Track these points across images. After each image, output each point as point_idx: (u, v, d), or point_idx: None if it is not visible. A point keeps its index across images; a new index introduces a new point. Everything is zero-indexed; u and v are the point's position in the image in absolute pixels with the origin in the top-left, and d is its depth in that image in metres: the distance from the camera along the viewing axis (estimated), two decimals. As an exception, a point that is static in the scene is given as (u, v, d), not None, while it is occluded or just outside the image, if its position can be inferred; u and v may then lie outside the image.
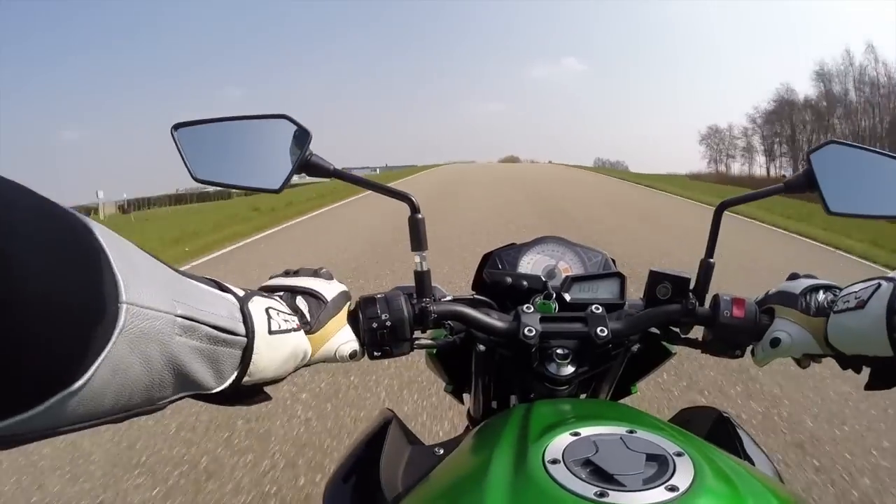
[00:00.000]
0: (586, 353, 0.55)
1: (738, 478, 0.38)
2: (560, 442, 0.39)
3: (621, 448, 0.39)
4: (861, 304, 0.48)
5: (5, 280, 0.21)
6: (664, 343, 0.64)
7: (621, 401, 0.71)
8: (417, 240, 0.57)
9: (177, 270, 0.35)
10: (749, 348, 0.58)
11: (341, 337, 0.52)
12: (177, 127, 0.57)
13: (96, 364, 0.25)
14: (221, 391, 0.39)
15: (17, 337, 0.22)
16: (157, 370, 0.30)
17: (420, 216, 0.57)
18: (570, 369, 0.55)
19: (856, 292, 0.50)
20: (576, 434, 0.40)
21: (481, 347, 0.58)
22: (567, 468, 0.36)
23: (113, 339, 0.26)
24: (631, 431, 0.41)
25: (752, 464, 0.53)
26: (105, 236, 0.27)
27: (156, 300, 0.29)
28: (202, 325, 0.33)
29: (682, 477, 0.35)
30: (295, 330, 0.46)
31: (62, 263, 0.24)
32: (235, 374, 0.39)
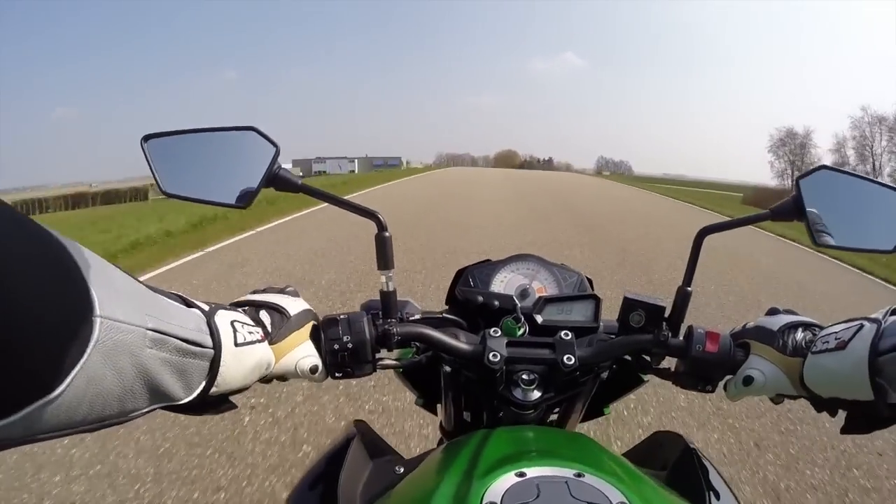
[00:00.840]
0: (553, 380, 0.54)
1: None
2: (503, 483, 0.39)
3: (564, 494, 0.38)
4: (842, 345, 0.47)
5: None
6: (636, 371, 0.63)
7: (592, 421, 0.70)
8: (384, 258, 0.56)
9: (146, 285, 0.35)
10: (722, 382, 0.57)
11: (302, 351, 0.52)
12: (146, 138, 0.56)
13: (72, 375, 0.26)
14: (190, 402, 0.41)
15: None
16: (129, 381, 0.31)
17: (387, 234, 0.56)
18: (536, 394, 0.54)
19: (836, 333, 0.49)
20: (521, 475, 0.40)
21: (447, 368, 0.57)
22: None
23: (88, 351, 0.27)
24: (579, 475, 0.40)
25: (716, 496, 0.52)
26: (79, 253, 0.28)
27: (128, 314, 0.30)
28: (172, 338, 0.34)
29: None
30: (259, 341, 0.47)
31: (40, 279, 0.25)
32: (203, 384, 0.40)
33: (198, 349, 0.38)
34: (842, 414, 0.51)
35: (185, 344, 0.36)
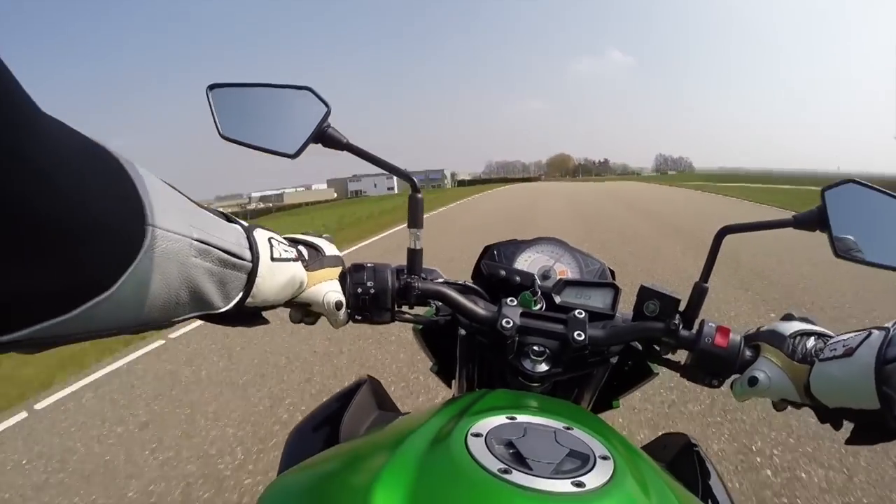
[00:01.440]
0: (562, 356, 0.56)
1: (655, 494, 0.38)
2: (492, 422, 0.41)
3: (549, 439, 0.40)
4: (849, 352, 0.47)
5: (53, 203, 0.25)
6: (647, 361, 0.64)
7: (602, 414, 0.71)
8: (414, 217, 0.59)
9: (193, 201, 0.39)
10: (729, 381, 0.58)
11: (330, 286, 0.56)
12: (212, 87, 0.61)
13: (124, 277, 0.29)
14: (226, 312, 0.44)
15: (60, 250, 0.26)
16: (175, 287, 0.34)
17: (419, 196, 0.59)
18: (543, 367, 0.56)
19: (844, 340, 0.49)
20: (512, 418, 0.42)
21: (462, 332, 0.60)
22: (485, 443, 0.37)
23: (139, 256, 0.30)
24: (568, 428, 0.42)
25: (710, 492, 0.53)
26: (132, 168, 0.31)
27: (176, 224, 0.33)
28: (214, 249, 0.37)
29: (596, 477, 0.36)
30: (293, 260, 0.50)
31: (100, 187, 0.28)
32: (240, 295, 0.43)
33: (238, 261, 0.41)
34: (847, 426, 0.51)
35: (226, 255, 0.39)
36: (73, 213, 0.26)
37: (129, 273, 0.29)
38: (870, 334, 0.46)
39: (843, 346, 0.48)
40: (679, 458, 0.57)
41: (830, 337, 0.54)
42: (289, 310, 0.57)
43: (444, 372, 0.73)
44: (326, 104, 0.60)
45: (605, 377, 0.62)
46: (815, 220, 0.59)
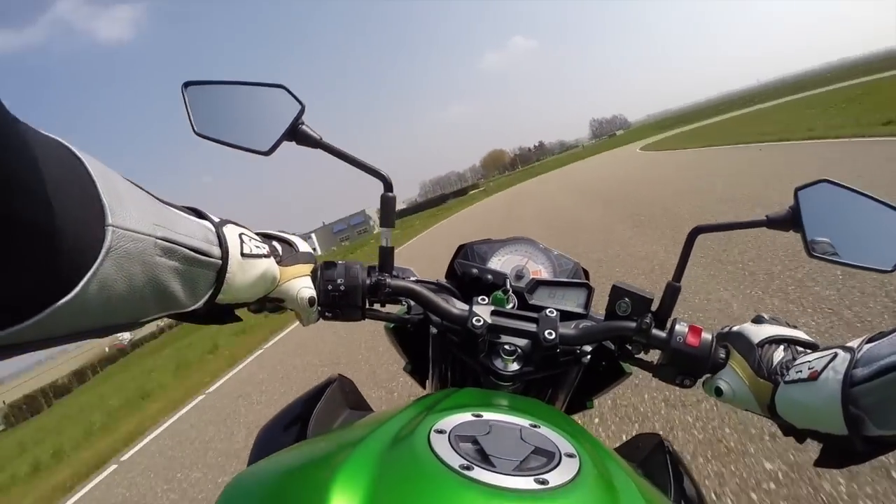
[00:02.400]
0: (534, 355, 0.56)
1: (621, 492, 0.38)
2: (457, 419, 0.40)
3: (514, 437, 0.39)
4: (814, 375, 0.45)
5: (12, 206, 0.24)
6: (620, 361, 0.64)
7: (577, 415, 0.71)
8: (387, 217, 0.59)
9: (158, 198, 0.38)
10: (701, 380, 0.58)
11: (303, 282, 0.56)
12: (186, 85, 0.61)
13: (84, 279, 0.29)
14: (196, 310, 0.43)
15: (15, 255, 0.25)
16: (139, 288, 0.33)
17: (392, 195, 0.59)
18: (514, 367, 0.55)
19: (809, 362, 0.47)
20: (478, 416, 0.41)
21: (434, 330, 0.60)
22: (448, 439, 0.37)
23: (100, 258, 0.29)
24: (535, 426, 0.42)
25: (682, 493, 0.53)
26: (93, 166, 0.30)
27: (139, 223, 0.32)
28: (180, 247, 0.37)
29: (560, 475, 0.35)
30: (265, 256, 0.49)
31: (56, 191, 0.27)
32: (210, 293, 0.43)
33: (205, 258, 0.40)
34: (810, 441, 0.50)
35: (193, 253, 0.38)
36: (34, 216, 0.25)
37: (91, 275, 0.29)
38: (835, 356, 0.45)
39: (809, 368, 0.47)
40: (651, 457, 0.57)
41: (801, 345, 0.53)
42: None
43: (418, 371, 0.73)
44: (300, 102, 0.60)
45: (577, 377, 0.61)
46: (789, 220, 0.59)
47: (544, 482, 0.35)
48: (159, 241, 0.34)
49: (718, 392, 0.54)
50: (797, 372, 0.47)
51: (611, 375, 0.66)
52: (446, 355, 0.62)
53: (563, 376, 0.60)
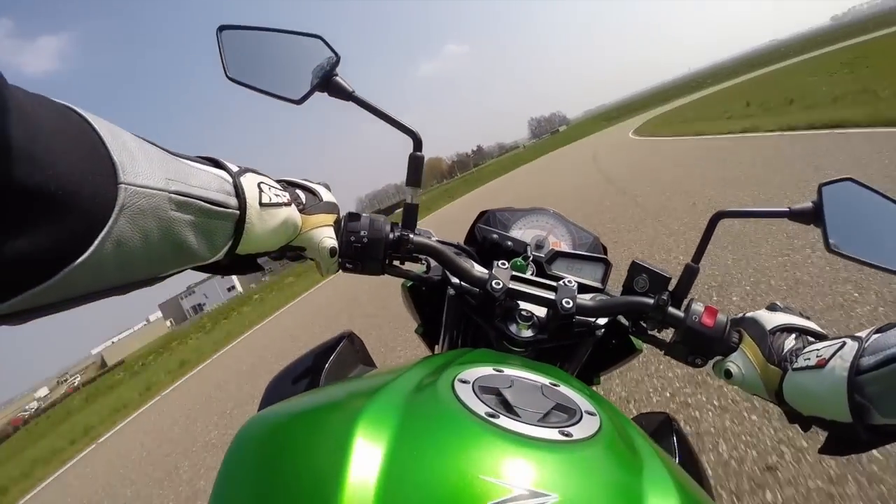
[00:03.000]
0: (549, 323, 0.56)
1: (640, 450, 0.38)
2: (480, 371, 0.40)
3: (535, 392, 0.40)
4: (822, 363, 0.46)
5: (25, 172, 0.25)
6: (632, 337, 0.64)
7: None
8: (414, 176, 0.59)
9: (170, 152, 0.38)
10: (712, 362, 0.58)
11: (326, 232, 0.56)
12: (222, 28, 0.61)
13: (99, 238, 0.29)
14: (217, 262, 0.43)
15: (26, 220, 0.26)
16: (156, 243, 0.34)
17: (421, 154, 0.59)
18: (529, 333, 0.56)
19: (818, 350, 0.48)
20: (499, 371, 0.42)
21: (451, 291, 0.60)
22: (472, 389, 0.37)
23: (113, 216, 0.30)
24: (555, 384, 0.42)
25: (687, 466, 0.53)
26: (102, 126, 0.31)
27: (151, 179, 0.32)
28: (196, 200, 0.36)
29: (582, 430, 0.36)
30: (286, 204, 0.49)
31: (67, 153, 0.28)
32: (229, 245, 0.42)
33: (222, 210, 0.40)
34: (815, 429, 0.50)
35: (209, 205, 0.38)
36: (45, 180, 0.26)
37: (105, 234, 0.29)
38: (843, 344, 0.45)
39: (817, 355, 0.47)
40: (656, 434, 0.57)
41: (811, 334, 0.54)
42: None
43: (428, 335, 0.73)
44: (336, 53, 0.59)
45: (589, 351, 0.61)
46: (811, 214, 0.59)
47: (568, 434, 0.35)
48: (173, 196, 0.34)
49: (728, 374, 0.55)
50: (805, 359, 0.48)
51: (621, 352, 0.66)
52: (460, 318, 0.62)
53: (575, 348, 0.60)
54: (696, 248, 0.59)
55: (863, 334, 0.45)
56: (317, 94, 0.60)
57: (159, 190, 0.33)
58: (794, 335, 0.54)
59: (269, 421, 0.38)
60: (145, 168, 0.32)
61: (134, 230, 0.31)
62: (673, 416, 0.60)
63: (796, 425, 0.52)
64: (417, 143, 0.59)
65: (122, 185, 0.30)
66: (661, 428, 0.59)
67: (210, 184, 0.39)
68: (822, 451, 0.50)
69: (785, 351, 0.52)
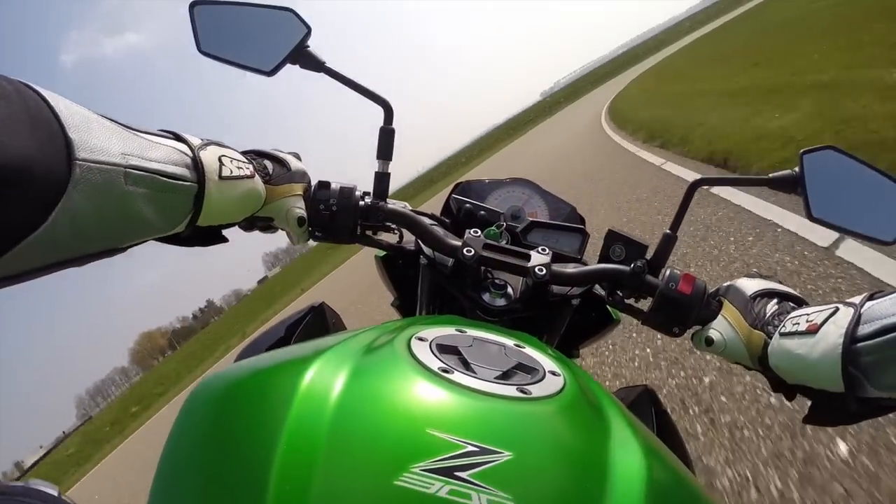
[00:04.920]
0: (524, 292, 0.55)
1: (606, 411, 0.37)
2: (440, 331, 0.39)
3: (498, 352, 0.39)
4: (813, 329, 0.43)
5: None
6: (609, 308, 0.63)
7: None
8: (385, 149, 0.58)
9: (130, 127, 0.38)
10: (691, 332, 0.57)
11: (294, 202, 0.55)
12: (194, 4, 0.61)
13: (53, 214, 0.30)
14: (180, 234, 0.44)
15: None
16: (111, 217, 0.34)
17: (391, 127, 0.58)
18: (502, 302, 0.55)
19: (808, 315, 0.46)
20: (461, 331, 0.41)
21: (424, 261, 0.59)
22: (429, 347, 0.36)
23: (67, 191, 0.30)
24: (520, 346, 0.41)
25: (664, 438, 0.52)
26: (58, 103, 0.31)
27: (106, 155, 0.33)
28: (152, 175, 0.37)
29: (543, 389, 0.35)
30: (248, 177, 0.49)
31: (19, 131, 0.28)
32: (188, 217, 0.43)
33: (179, 183, 0.40)
34: (801, 399, 0.48)
35: (165, 179, 0.38)
36: None
37: (59, 210, 0.30)
38: (836, 310, 0.43)
39: (807, 321, 0.45)
40: (635, 405, 0.56)
41: (794, 301, 0.52)
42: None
43: (405, 308, 0.72)
44: (307, 25, 0.59)
45: (566, 322, 0.60)
46: (792, 182, 0.58)
47: (526, 392, 0.34)
48: (129, 171, 0.35)
49: (709, 342, 0.53)
50: (794, 324, 0.46)
51: (599, 324, 0.65)
52: (435, 290, 0.62)
53: (552, 320, 0.59)
54: (674, 217, 0.58)
55: (856, 300, 0.43)
56: (288, 66, 0.59)
57: (114, 165, 0.33)
58: (775, 300, 0.52)
59: (221, 379, 0.37)
60: (100, 144, 0.33)
61: (88, 205, 0.32)
62: (652, 389, 0.59)
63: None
64: (388, 114, 0.58)
65: (77, 162, 0.31)
66: (639, 400, 0.57)
67: (168, 158, 0.40)
68: (807, 420, 0.48)
69: (768, 315, 0.51)
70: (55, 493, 0.41)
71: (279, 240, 0.61)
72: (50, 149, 0.30)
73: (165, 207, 0.39)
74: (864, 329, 0.40)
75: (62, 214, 0.30)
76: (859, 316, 0.41)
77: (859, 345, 0.39)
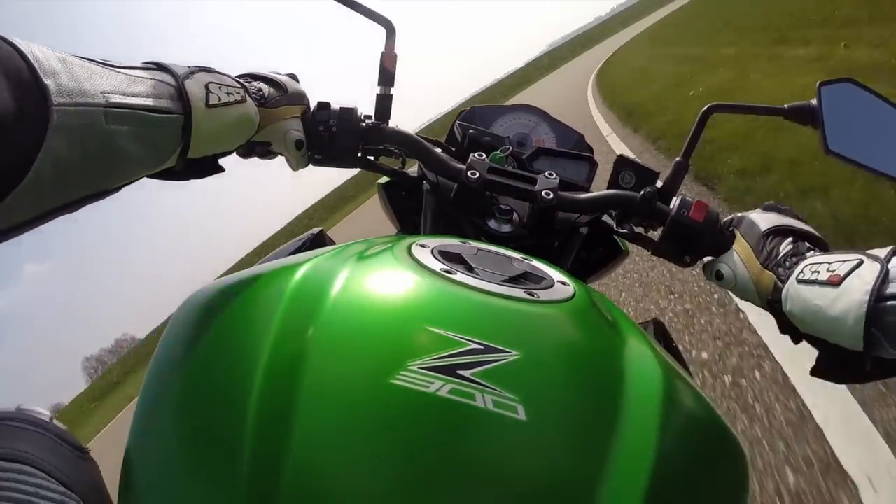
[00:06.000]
0: (530, 218, 0.53)
1: (617, 320, 0.35)
2: (444, 242, 0.38)
3: (504, 261, 0.37)
4: (835, 280, 0.40)
5: None
6: (617, 238, 0.61)
7: None
8: (386, 76, 0.56)
9: (110, 65, 0.37)
10: (703, 262, 0.55)
11: (292, 124, 0.53)
12: None
13: (36, 163, 0.29)
14: (172, 168, 0.43)
15: None
16: (96, 159, 0.34)
17: (393, 53, 0.56)
18: (508, 228, 0.53)
19: (829, 263, 0.42)
20: (465, 242, 0.39)
21: (427, 186, 0.57)
22: (431, 252, 0.35)
23: (46, 138, 0.30)
24: (526, 259, 0.39)
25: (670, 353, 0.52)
26: (30, 51, 0.31)
27: (83, 97, 0.33)
28: (133, 110, 0.36)
29: (553, 294, 0.33)
30: (239, 101, 0.47)
31: None
32: (178, 150, 0.42)
33: (164, 116, 0.39)
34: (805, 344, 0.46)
35: (148, 113, 0.37)
36: None
37: (41, 158, 0.30)
38: (860, 263, 0.40)
39: (828, 269, 0.41)
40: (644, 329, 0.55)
41: (808, 238, 0.50)
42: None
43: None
44: None
45: (574, 251, 0.59)
46: (808, 114, 0.57)
47: (534, 294, 0.32)
48: (110, 109, 0.34)
49: (719, 276, 0.52)
50: (813, 272, 0.43)
51: (607, 256, 0.63)
52: (439, 218, 0.60)
53: (560, 249, 0.57)
54: (685, 144, 0.56)
55: (881, 254, 0.40)
56: None
57: (93, 105, 0.33)
58: (789, 238, 0.50)
59: (212, 286, 0.36)
60: (77, 86, 0.32)
61: (71, 149, 0.32)
62: (662, 322, 0.58)
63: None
64: (391, 36, 0.56)
65: (53, 108, 0.30)
66: (646, 326, 0.56)
67: (151, 91, 0.39)
68: (815, 373, 0.45)
69: (780, 255, 0.48)
70: (46, 418, 0.39)
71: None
72: (25, 98, 0.29)
73: (151, 142, 0.38)
74: (891, 288, 0.37)
75: (44, 162, 0.30)
76: (886, 272, 0.38)
77: (885, 303, 0.37)
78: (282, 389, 0.25)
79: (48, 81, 0.30)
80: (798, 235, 0.50)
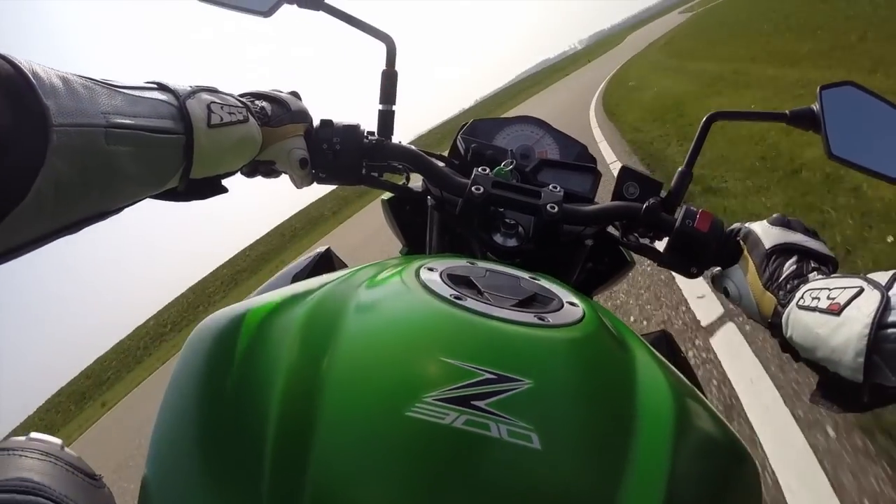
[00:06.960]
0: (535, 232, 0.54)
1: (627, 341, 0.35)
2: (451, 263, 0.38)
3: (513, 283, 0.37)
4: (835, 309, 0.39)
5: None
6: (622, 249, 0.61)
7: None
8: (387, 94, 0.56)
9: (110, 85, 0.37)
10: (711, 272, 0.55)
11: (295, 143, 0.54)
12: None
13: (36, 182, 0.29)
14: (175, 189, 0.42)
15: None
16: (98, 179, 0.34)
17: (394, 70, 0.56)
18: (513, 242, 0.53)
19: (829, 290, 0.41)
20: (472, 263, 0.39)
21: (432, 201, 0.57)
22: (439, 276, 0.35)
23: (47, 158, 0.30)
24: (534, 279, 0.40)
25: (677, 364, 0.52)
26: (32, 71, 0.31)
27: (84, 117, 0.32)
28: (135, 131, 0.36)
29: (562, 317, 0.33)
30: (241, 122, 0.47)
31: None
32: (180, 171, 0.41)
33: (165, 137, 0.39)
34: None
35: (149, 134, 0.37)
36: None
37: (41, 179, 0.29)
38: (860, 291, 0.39)
39: (829, 297, 0.41)
40: (652, 341, 0.55)
41: (814, 257, 0.49)
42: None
43: (413, 254, 0.70)
44: None
45: (580, 264, 0.59)
46: (810, 119, 0.57)
47: (543, 319, 0.32)
48: (110, 130, 0.34)
49: (726, 292, 0.52)
50: (814, 298, 0.42)
51: (613, 268, 0.63)
52: (444, 232, 0.60)
53: (565, 262, 0.58)
54: (688, 153, 0.56)
55: (880, 280, 0.39)
56: (285, 6, 0.57)
57: (94, 126, 0.33)
58: (793, 258, 0.49)
59: (224, 314, 0.37)
60: (78, 106, 0.32)
61: (71, 170, 0.31)
62: (670, 333, 0.58)
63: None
64: (391, 53, 0.56)
65: (54, 128, 0.30)
66: (656, 344, 0.56)
67: (152, 111, 0.39)
68: (814, 401, 0.44)
69: (783, 277, 0.47)
70: (58, 446, 0.40)
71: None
72: (25, 118, 0.29)
73: (153, 163, 0.38)
74: (892, 316, 0.36)
75: (45, 183, 0.29)
76: (887, 300, 0.37)
77: (886, 331, 0.36)
78: (298, 422, 0.26)
79: (48, 102, 0.30)
80: (802, 254, 0.49)
